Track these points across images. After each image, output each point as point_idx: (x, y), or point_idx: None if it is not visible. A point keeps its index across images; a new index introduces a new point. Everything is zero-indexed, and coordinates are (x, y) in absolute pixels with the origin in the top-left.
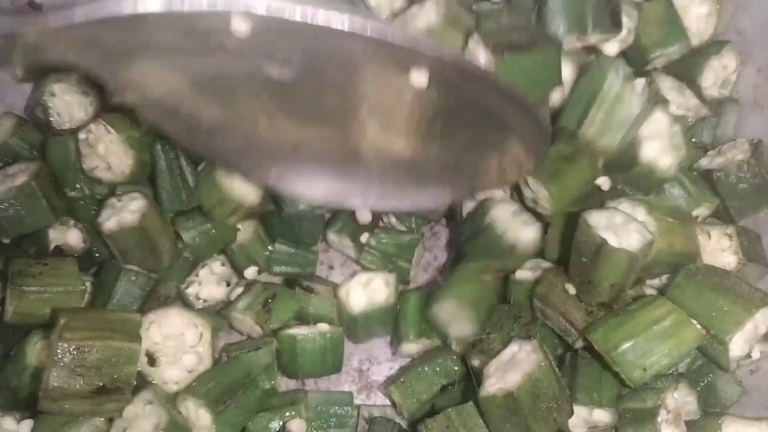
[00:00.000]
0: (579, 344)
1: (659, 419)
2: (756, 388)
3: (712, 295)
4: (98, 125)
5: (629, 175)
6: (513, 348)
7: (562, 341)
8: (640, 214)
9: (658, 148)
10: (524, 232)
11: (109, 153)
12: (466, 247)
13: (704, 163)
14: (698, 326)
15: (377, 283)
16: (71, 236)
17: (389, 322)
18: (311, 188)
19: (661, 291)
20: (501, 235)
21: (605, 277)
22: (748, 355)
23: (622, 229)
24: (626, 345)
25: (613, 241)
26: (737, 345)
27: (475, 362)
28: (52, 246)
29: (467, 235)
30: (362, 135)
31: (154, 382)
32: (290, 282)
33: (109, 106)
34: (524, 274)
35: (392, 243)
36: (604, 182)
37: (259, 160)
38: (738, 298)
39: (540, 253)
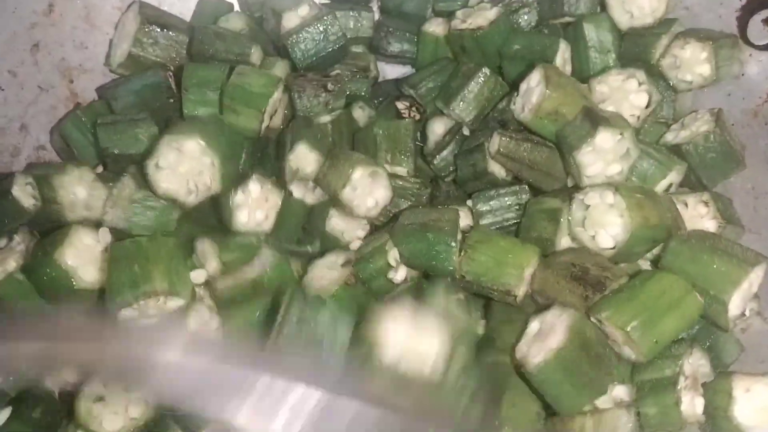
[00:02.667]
0: None
1: (679, 386)
2: (749, 345)
3: (708, 257)
4: None
5: None
6: (533, 325)
7: None
8: (609, 196)
9: (603, 164)
10: None
11: None
12: None
13: (670, 137)
14: (699, 297)
15: None
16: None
17: None
18: None
19: (655, 262)
20: None
21: None
22: (743, 314)
23: None
24: (636, 321)
25: None
26: (735, 304)
27: (489, 359)
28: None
29: None
30: None
31: None
32: None
33: None
34: None
35: None
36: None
37: None
38: (733, 258)
39: None
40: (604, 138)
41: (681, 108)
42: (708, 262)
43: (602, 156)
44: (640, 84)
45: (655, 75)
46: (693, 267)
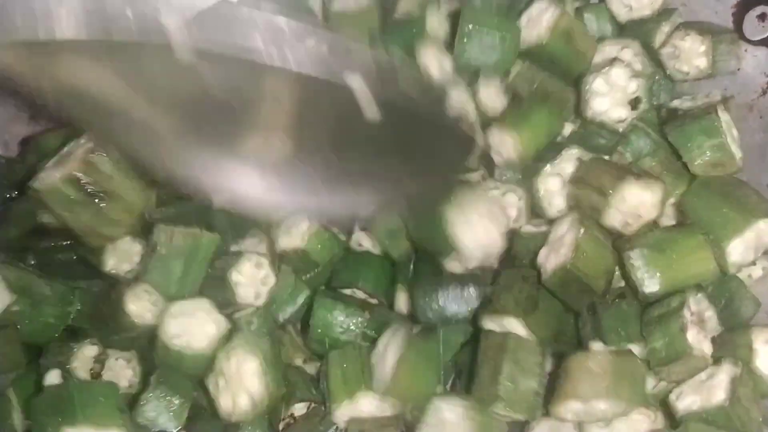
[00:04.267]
0: None
1: (684, 312)
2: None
3: (720, 202)
4: None
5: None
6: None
7: None
8: None
9: (610, 102)
10: None
11: None
12: None
13: (676, 104)
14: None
15: None
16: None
17: None
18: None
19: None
20: None
21: None
22: (753, 263)
23: None
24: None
25: None
26: (737, 251)
27: (489, 325)
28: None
29: None
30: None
31: None
32: None
33: None
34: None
35: None
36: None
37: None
38: (741, 207)
39: None
40: (618, 73)
41: (680, 94)
42: (718, 206)
43: (611, 91)
44: (635, 55)
45: (655, 62)
46: (705, 209)
